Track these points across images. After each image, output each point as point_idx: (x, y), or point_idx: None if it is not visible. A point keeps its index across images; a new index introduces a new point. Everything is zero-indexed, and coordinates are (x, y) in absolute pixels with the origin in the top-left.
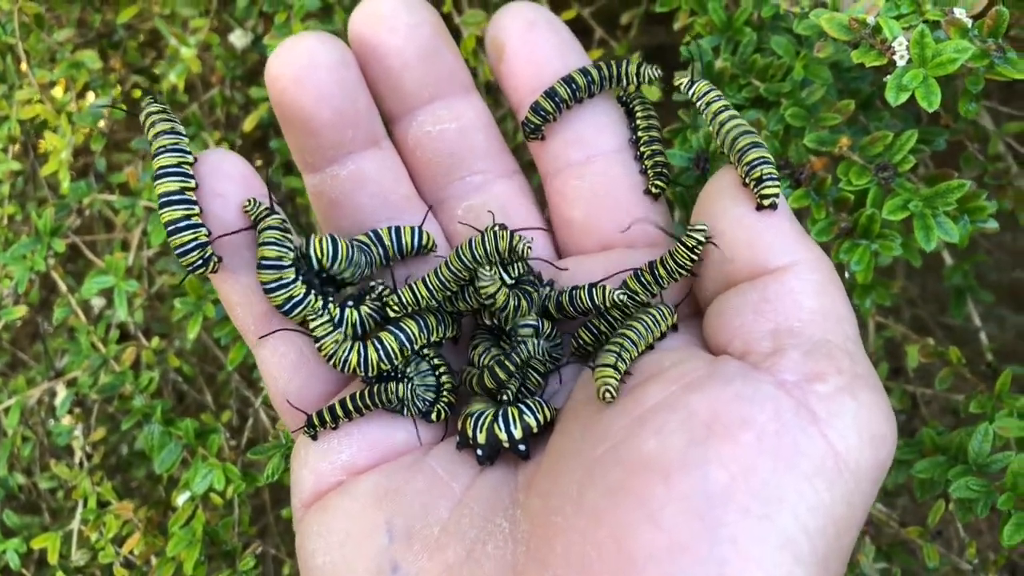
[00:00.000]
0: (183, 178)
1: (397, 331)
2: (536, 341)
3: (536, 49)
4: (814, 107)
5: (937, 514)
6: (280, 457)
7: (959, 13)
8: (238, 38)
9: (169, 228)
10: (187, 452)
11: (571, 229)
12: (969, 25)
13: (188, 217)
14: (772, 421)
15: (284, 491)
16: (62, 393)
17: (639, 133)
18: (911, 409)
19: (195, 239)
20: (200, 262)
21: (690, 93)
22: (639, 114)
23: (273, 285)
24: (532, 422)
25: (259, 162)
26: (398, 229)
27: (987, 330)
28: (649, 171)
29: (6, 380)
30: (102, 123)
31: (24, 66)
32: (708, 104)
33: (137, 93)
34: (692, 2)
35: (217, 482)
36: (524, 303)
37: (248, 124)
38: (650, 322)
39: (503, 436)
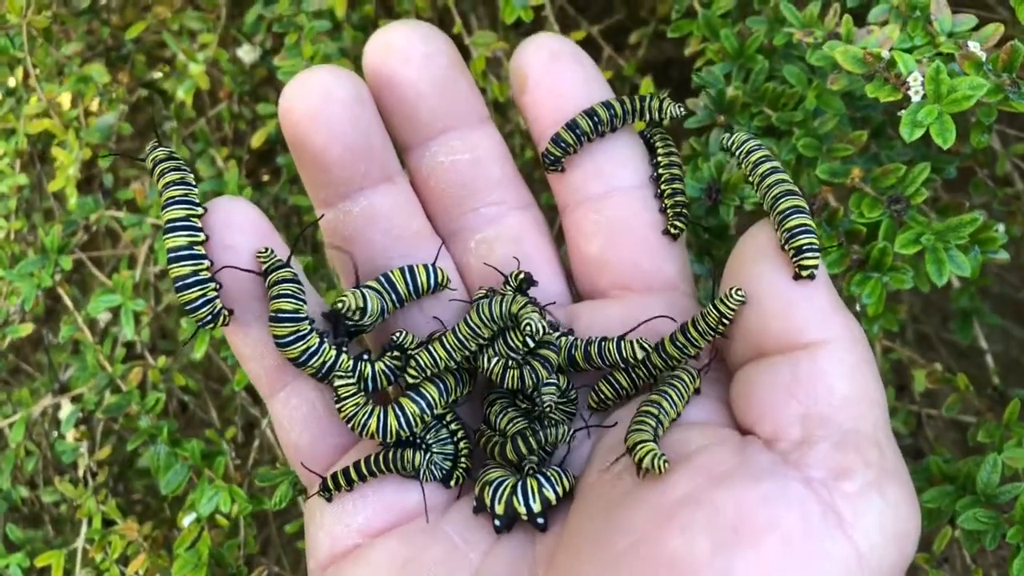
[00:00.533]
0: (191, 232)
1: (418, 397)
2: (566, 429)
3: (560, 81)
4: (826, 137)
5: (943, 540)
6: (288, 484)
7: (973, 47)
8: (246, 53)
9: (177, 284)
10: (192, 472)
11: (586, 264)
12: (983, 59)
13: (196, 272)
14: (798, 524)
15: (288, 506)
16: (67, 409)
17: (660, 170)
18: (916, 429)
19: (203, 295)
20: (209, 318)
21: (729, 143)
22: (660, 151)
23: (291, 338)
24: (551, 496)
25: (266, 177)
26: (412, 269)
27: (992, 346)
28: (668, 211)
29: (9, 391)
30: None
31: (32, 80)
32: (747, 154)
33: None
34: (704, 28)
35: (223, 504)
36: (543, 371)
37: (256, 140)
38: (678, 390)
39: (522, 509)
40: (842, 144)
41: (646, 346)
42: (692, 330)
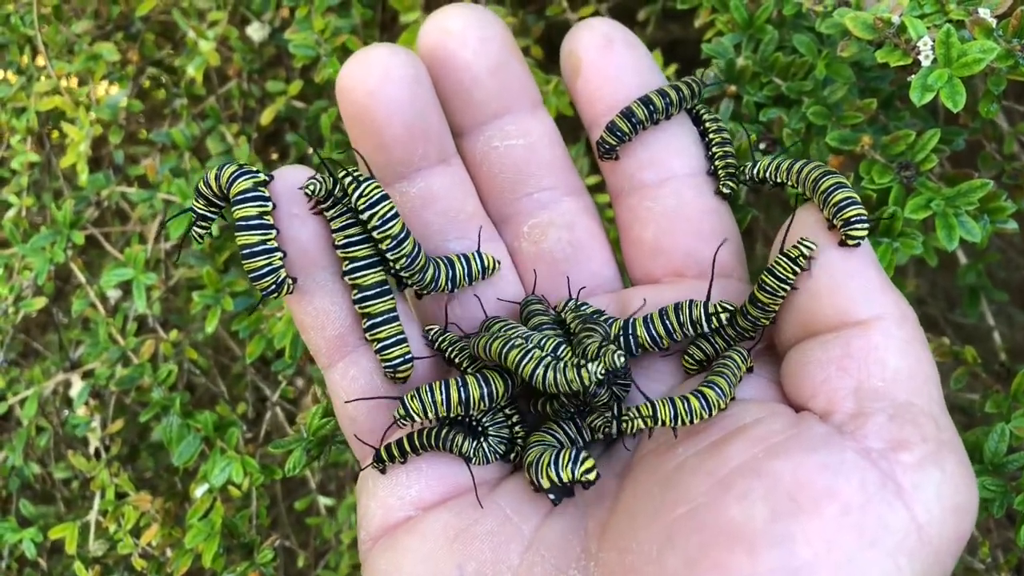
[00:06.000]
0: (261, 202)
1: (483, 383)
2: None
3: (613, 67)
4: (836, 106)
5: None
6: (301, 451)
7: (984, 13)
8: (255, 31)
9: (244, 252)
10: (205, 443)
11: (640, 251)
12: (994, 25)
13: (264, 242)
14: (857, 493)
15: (296, 483)
16: (78, 385)
17: (711, 136)
18: None
19: (269, 264)
20: (274, 287)
21: (755, 171)
22: (707, 119)
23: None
24: (583, 469)
25: (275, 156)
26: (467, 259)
27: (998, 328)
28: (720, 171)
29: (20, 370)
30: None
31: (41, 59)
32: (777, 168)
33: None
34: (714, 0)
35: (235, 475)
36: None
37: (265, 118)
38: (732, 371)
39: (566, 475)
40: (852, 112)
41: (729, 307)
42: (760, 294)
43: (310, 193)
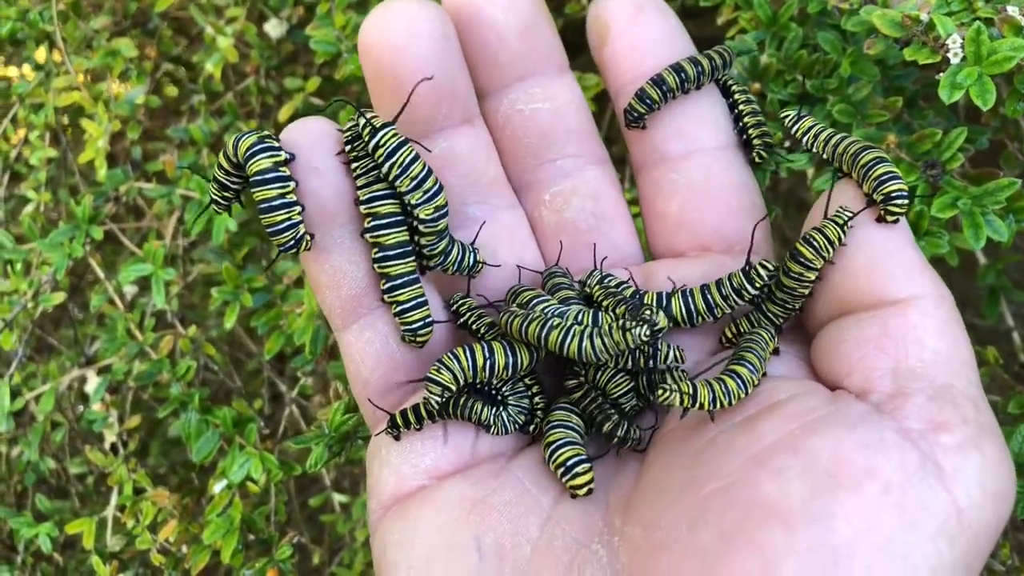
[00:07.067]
0: (272, 152)
1: (509, 352)
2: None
3: (643, 34)
4: (861, 104)
5: None
6: (323, 447)
7: (1013, 11)
8: (273, 27)
9: (262, 207)
10: (223, 440)
11: (664, 224)
12: (1023, 23)
13: (283, 195)
14: (897, 473)
15: (309, 480)
16: (94, 380)
17: (741, 106)
18: None
19: (288, 219)
20: (292, 243)
21: (795, 129)
22: (735, 90)
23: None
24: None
25: None
26: (464, 249)
27: (1016, 330)
28: (754, 140)
29: (36, 365)
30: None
31: (59, 54)
32: (816, 136)
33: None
34: None
35: (254, 471)
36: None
37: (283, 114)
38: (761, 348)
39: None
40: (877, 110)
41: (770, 266)
42: (806, 248)
43: (348, 130)
